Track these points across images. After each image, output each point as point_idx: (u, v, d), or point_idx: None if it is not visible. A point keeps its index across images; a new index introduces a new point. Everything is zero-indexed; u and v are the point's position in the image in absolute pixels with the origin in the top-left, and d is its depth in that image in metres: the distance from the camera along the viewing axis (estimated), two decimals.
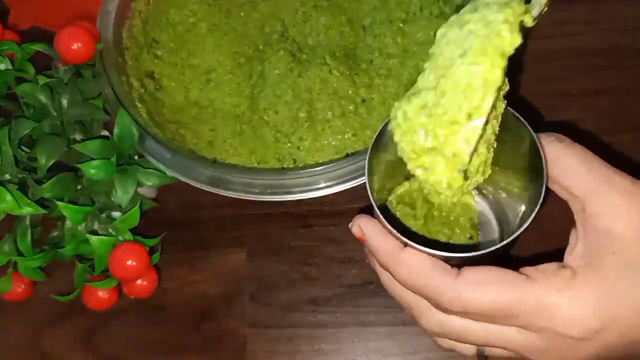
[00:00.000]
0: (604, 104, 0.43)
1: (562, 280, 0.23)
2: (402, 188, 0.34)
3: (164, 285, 0.41)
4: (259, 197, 0.36)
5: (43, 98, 0.37)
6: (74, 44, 0.37)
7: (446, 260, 0.25)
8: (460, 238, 0.32)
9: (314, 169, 0.36)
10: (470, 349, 0.28)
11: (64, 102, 0.38)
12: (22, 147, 0.37)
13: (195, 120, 0.44)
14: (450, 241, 0.31)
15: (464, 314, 0.24)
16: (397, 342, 0.39)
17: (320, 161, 0.41)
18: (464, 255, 0.25)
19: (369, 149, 0.28)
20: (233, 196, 0.37)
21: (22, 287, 0.39)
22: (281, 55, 0.44)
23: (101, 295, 0.38)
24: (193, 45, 0.47)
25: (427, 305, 0.26)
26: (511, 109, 0.26)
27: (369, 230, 0.26)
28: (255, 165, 0.42)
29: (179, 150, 0.38)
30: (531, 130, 0.26)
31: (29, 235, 0.37)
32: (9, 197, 0.35)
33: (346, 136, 0.42)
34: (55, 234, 0.39)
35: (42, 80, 0.37)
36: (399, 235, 0.25)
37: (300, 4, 0.47)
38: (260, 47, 0.46)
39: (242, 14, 0.48)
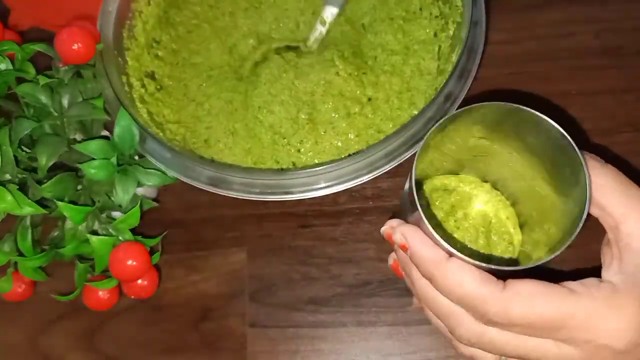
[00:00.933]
0: (604, 104, 0.43)
1: (605, 295, 0.24)
2: (432, 183, 0.34)
3: (164, 285, 0.41)
4: (259, 197, 0.36)
5: (43, 98, 0.37)
6: (74, 44, 0.37)
7: (489, 271, 0.25)
8: (495, 247, 0.32)
9: (314, 169, 0.36)
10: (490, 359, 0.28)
11: (64, 102, 0.38)
12: (22, 147, 0.37)
13: (193, 118, 0.44)
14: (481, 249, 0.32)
15: (508, 325, 0.25)
16: (397, 342, 0.39)
17: (321, 161, 0.41)
18: (507, 269, 0.25)
19: (416, 159, 0.27)
20: (233, 196, 0.37)
21: (22, 287, 0.40)
22: (281, 56, 0.44)
23: (101, 295, 0.39)
24: (195, 45, 0.47)
25: (466, 315, 0.26)
26: (556, 124, 0.26)
27: (414, 239, 0.26)
28: (252, 165, 0.42)
29: (179, 150, 0.38)
30: (577, 148, 0.25)
31: (30, 235, 0.37)
32: (9, 197, 0.35)
33: (349, 137, 0.42)
34: (56, 234, 0.39)
35: (42, 80, 0.37)
36: (444, 243, 0.25)
37: (300, 12, 0.47)
38: (261, 47, 0.46)
39: (244, 18, 0.48)
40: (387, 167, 0.36)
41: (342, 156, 0.41)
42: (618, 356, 0.24)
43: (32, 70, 0.39)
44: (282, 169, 0.41)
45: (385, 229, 0.28)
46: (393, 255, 0.31)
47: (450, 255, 0.25)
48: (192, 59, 0.46)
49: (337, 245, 0.42)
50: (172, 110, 0.44)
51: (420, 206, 0.25)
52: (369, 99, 0.43)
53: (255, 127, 0.42)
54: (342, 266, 0.41)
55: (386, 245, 0.41)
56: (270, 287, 0.41)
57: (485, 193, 0.33)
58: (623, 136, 0.42)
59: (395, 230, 0.27)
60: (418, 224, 0.26)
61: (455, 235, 0.32)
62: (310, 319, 0.40)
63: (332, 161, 0.36)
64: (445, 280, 0.25)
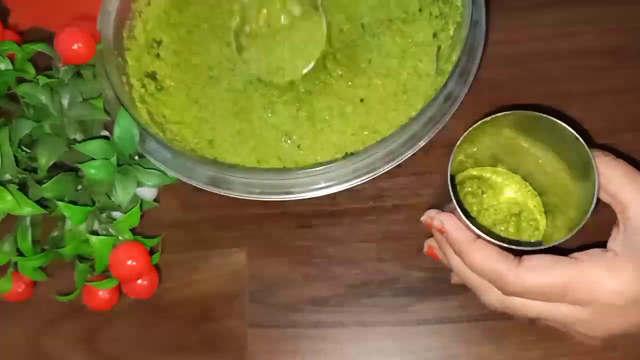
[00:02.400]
0: (604, 104, 0.43)
1: (606, 260, 0.29)
2: (469, 173, 0.38)
3: (164, 285, 0.41)
4: (259, 197, 0.36)
5: (43, 98, 0.37)
6: (74, 44, 0.37)
7: (509, 251, 0.30)
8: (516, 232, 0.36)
9: (314, 169, 0.36)
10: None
11: (64, 102, 0.38)
12: (22, 147, 0.37)
13: (196, 119, 0.44)
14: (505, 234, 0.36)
15: (523, 294, 0.29)
16: (397, 342, 0.39)
17: (321, 161, 0.42)
18: (525, 249, 0.30)
19: (451, 159, 0.31)
20: (234, 196, 0.37)
21: (22, 287, 0.40)
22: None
23: (101, 295, 0.39)
24: (196, 46, 0.47)
25: (490, 286, 0.31)
26: (569, 128, 0.30)
27: (449, 223, 0.32)
28: (256, 164, 0.42)
29: (179, 150, 0.38)
30: (587, 146, 0.30)
31: (30, 235, 0.37)
32: (9, 197, 0.35)
33: (345, 135, 0.42)
34: (56, 234, 0.39)
35: (42, 80, 0.37)
36: (473, 227, 0.30)
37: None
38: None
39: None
40: (387, 168, 0.36)
41: (340, 154, 0.42)
42: (621, 312, 0.28)
43: (32, 70, 0.39)
44: (283, 168, 0.41)
45: (424, 218, 0.34)
46: (428, 242, 0.36)
47: (478, 237, 0.30)
48: (193, 60, 0.46)
49: (337, 245, 0.42)
50: (173, 111, 0.44)
51: (455, 199, 0.30)
52: (362, 100, 0.43)
53: (261, 126, 0.43)
54: (342, 266, 0.41)
55: (386, 245, 0.41)
56: (270, 287, 0.41)
57: (516, 184, 0.37)
58: (623, 136, 0.42)
59: (435, 217, 0.32)
60: (452, 212, 0.32)
61: (490, 221, 0.37)
62: (311, 319, 0.40)
63: (332, 161, 0.36)
64: (471, 257, 0.30)
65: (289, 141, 0.42)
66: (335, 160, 0.36)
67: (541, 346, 0.37)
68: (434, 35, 0.44)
